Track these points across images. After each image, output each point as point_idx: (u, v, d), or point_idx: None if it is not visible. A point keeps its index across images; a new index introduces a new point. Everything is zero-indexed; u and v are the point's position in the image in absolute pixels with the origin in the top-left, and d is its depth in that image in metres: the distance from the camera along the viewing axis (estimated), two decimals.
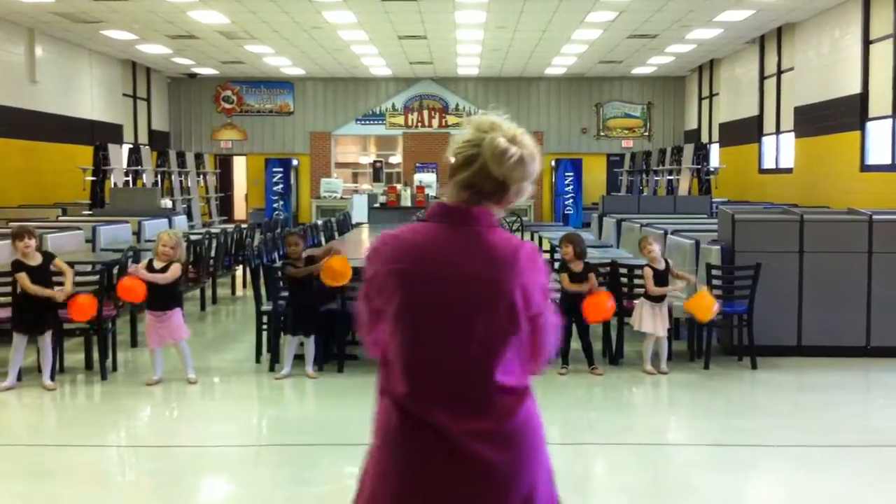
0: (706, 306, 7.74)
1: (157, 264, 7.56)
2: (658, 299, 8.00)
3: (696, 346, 8.60)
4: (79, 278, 8.41)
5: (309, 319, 7.79)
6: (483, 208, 2.36)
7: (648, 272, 8.03)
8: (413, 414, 2.31)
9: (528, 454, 2.33)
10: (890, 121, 15.64)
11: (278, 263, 8.42)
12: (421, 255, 2.33)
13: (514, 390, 2.33)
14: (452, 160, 2.38)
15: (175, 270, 7.57)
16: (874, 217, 8.75)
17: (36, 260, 7.39)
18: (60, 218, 14.19)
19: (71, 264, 9.23)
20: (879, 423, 6.72)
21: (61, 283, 7.49)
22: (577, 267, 7.97)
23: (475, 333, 2.30)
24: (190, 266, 11.39)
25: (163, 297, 7.52)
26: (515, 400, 2.33)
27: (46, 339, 7.44)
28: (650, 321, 7.96)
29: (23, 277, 7.26)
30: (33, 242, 7.41)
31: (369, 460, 2.42)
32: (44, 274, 7.40)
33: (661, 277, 8.05)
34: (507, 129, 2.35)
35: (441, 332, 2.31)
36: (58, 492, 5.30)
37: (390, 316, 2.35)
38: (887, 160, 15.79)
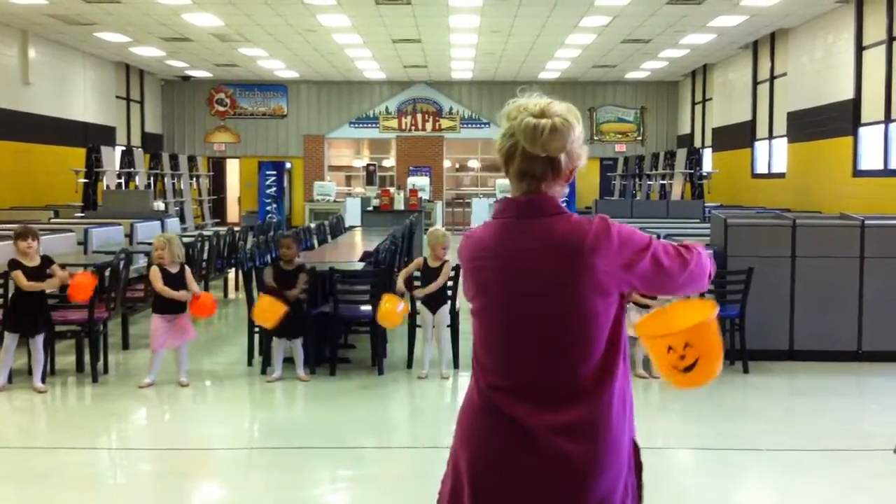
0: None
1: (171, 269, 7.68)
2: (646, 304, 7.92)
3: None
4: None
5: (294, 322, 7.68)
6: (546, 196, 2.35)
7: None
8: (488, 398, 2.34)
9: (606, 449, 2.31)
10: (882, 126, 15.70)
11: (268, 273, 8.34)
12: (491, 253, 2.36)
13: (592, 383, 2.30)
14: (498, 158, 2.41)
15: (189, 280, 7.72)
16: (866, 222, 8.77)
17: (34, 261, 7.38)
18: (52, 220, 14.15)
19: (63, 266, 9.24)
20: (871, 428, 6.73)
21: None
22: None
23: (548, 327, 2.29)
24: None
25: (172, 300, 7.58)
26: (593, 394, 2.30)
27: (38, 340, 7.41)
28: None
29: (18, 275, 7.24)
30: (35, 244, 7.41)
31: (455, 434, 2.45)
32: (40, 276, 7.37)
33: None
34: (532, 106, 2.35)
35: (511, 325, 2.33)
36: (48, 494, 5.28)
37: (474, 311, 2.43)
38: (879, 165, 15.84)
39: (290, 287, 7.74)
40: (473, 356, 2.45)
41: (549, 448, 2.26)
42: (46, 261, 7.50)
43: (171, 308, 7.60)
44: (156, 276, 7.63)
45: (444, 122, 29.30)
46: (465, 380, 7.84)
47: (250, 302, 8.37)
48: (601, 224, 2.30)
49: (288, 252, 7.88)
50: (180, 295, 7.60)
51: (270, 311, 7.35)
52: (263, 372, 8.03)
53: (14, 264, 7.32)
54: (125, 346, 9.19)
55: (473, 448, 2.35)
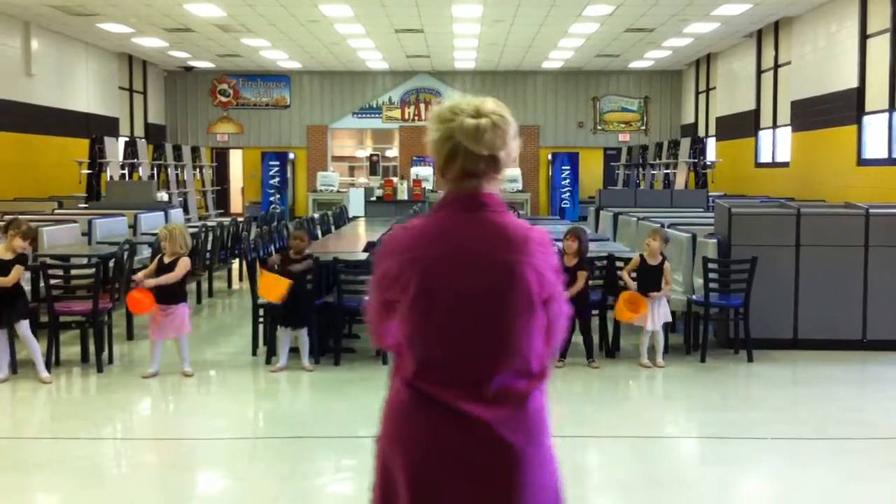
0: (621, 308, 7.73)
1: (167, 259, 7.64)
2: (651, 292, 7.92)
3: (692, 339, 8.61)
4: (75, 271, 8.43)
5: (299, 312, 7.74)
6: (490, 193, 2.41)
7: (636, 259, 8.06)
8: (427, 395, 2.34)
9: (536, 441, 2.38)
10: (886, 115, 15.65)
11: (275, 256, 8.43)
12: (436, 243, 2.37)
13: (530, 375, 2.38)
14: (435, 159, 2.43)
15: (182, 266, 7.58)
16: (871, 211, 8.75)
17: (6, 256, 7.27)
18: (56, 211, 14.15)
19: (66, 258, 9.27)
20: (875, 417, 6.72)
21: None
22: (570, 261, 7.88)
23: (492, 316, 2.34)
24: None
25: (169, 291, 7.54)
26: (529, 385, 2.38)
27: (22, 329, 7.36)
28: (645, 315, 7.93)
29: None
30: (25, 244, 7.32)
31: (381, 438, 2.45)
32: (4, 272, 7.26)
33: (652, 273, 7.98)
34: (466, 107, 2.39)
35: (458, 315, 2.35)
36: (53, 484, 5.29)
37: (407, 304, 2.37)
38: (884, 154, 15.79)
39: (299, 278, 7.79)
40: (397, 352, 2.42)
41: (493, 439, 2.30)
42: (19, 259, 7.35)
43: (164, 298, 7.51)
44: (151, 266, 7.74)
45: None
46: None
47: (255, 292, 8.38)
48: (540, 230, 2.44)
49: (301, 244, 7.92)
50: (137, 277, 7.56)
51: (275, 285, 7.43)
52: (268, 362, 8.04)
53: None
54: (129, 336, 9.20)
55: (411, 446, 2.34)
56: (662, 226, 10.19)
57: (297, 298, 7.66)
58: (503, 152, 2.38)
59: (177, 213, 15.16)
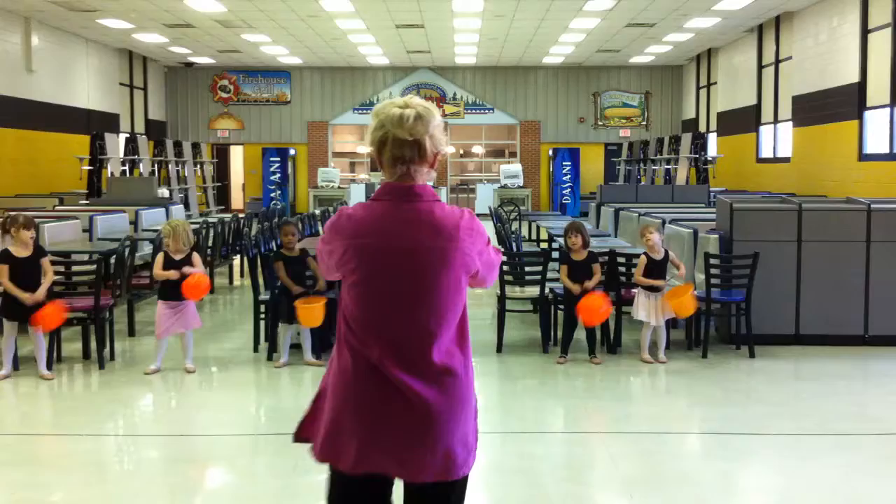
0: (685, 305, 7.75)
1: (175, 255, 7.69)
2: (654, 288, 7.97)
3: (693, 334, 8.61)
4: (76, 268, 8.43)
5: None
6: (423, 185, 2.77)
7: (642, 260, 8.00)
8: (369, 362, 2.72)
9: (461, 407, 2.77)
10: (888, 110, 15.64)
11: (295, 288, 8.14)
12: (375, 231, 2.73)
13: (454, 348, 2.77)
14: (371, 150, 2.81)
15: (198, 262, 7.75)
16: (872, 206, 8.74)
17: (27, 251, 7.34)
18: (57, 207, 14.16)
19: (67, 254, 9.26)
20: (877, 412, 6.72)
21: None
22: (580, 255, 7.90)
23: (423, 296, 2.72)
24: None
25: (177, 288, 7.54)
26: (454, 357, 2.76)
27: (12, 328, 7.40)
28: (647, 310, 7.95)
29: (3, 271, 7.23)
30: (31, 232, 7.39)
31: (331, 391, 2.83)
32: (32, 267, 7.36)
33: (659, 267, 8.00)
34: (398, 100, 2.78)
35: (393, 295, 2.72)
36: (56, 481, 5.29)
37: (351, 283, 2.77)
38: (885, 149, 15.78)
39: (302, 271, 7.83)
40: (344, 326, 2.79)
41: (420, 397, 2.70)
42: (40, 251, 7.49)
43: (176, 295, 7.55)
44: (158, 261, 7.72)
45: (448, 108, 29.24)
46: (477, 366, 7.84)
47: (256, 288, 8.39)
48: (469, 213, 2.80)
49: (292, 238, 7.88)
50: (169, 274, 7.54)
51: (312, 313, 7.30)
52: (269, 358, 8.04)
53: (4, 257, 7.28)
54: (131, 332, 9.21)
55: (356, 404, 2.74)
56: (664, 222, 10.19)
57: (298, 294, 7.67)
58: (426, 138, 2.72)
59: (178, 210, 15.16)
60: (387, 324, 2.72)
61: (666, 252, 8.08)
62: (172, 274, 7.54)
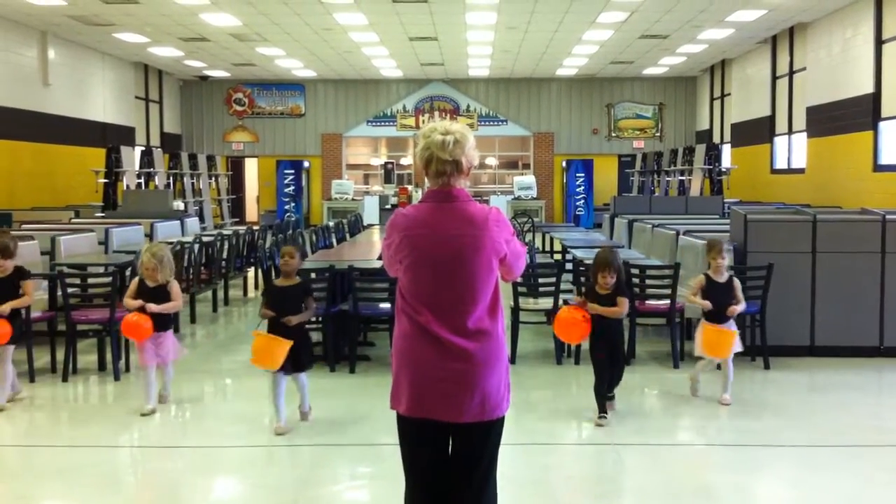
0: (721, 345, 6.93)
1: (150, 283, 6.90)
2: (720, 318, 6.97)
3: None
4: (92, 280, 8.48)
5: (296, 353, 6.29)
6: (459, 188, 3.49)
7: (700, 281, 7.10)
8: (419, 325, 3.43)
9: (494, 361, 3.45)
10: None
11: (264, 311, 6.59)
12: (423, 224, 3.45)
13: (485, 316, 3.44)
14: (419, 164, 3.52)
15: (177, 293, 6.97)
16: (887, 217, 8.71)
17: (4, 273, 6.99)
18: (73, 220, 14.24)
19: (83, 266, 9.32)
20: (892, 424, 6.68)
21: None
22: (604, 290, 6.55)
23: (462, 273, 3.41)
24: (202, 267, 11.44)
25: (157, 318, 6.80)
26: (485, 322, 3.44)
27: (7, 351, 6.95)
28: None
29: None
30: (8, 263, 7.01)
31: (394, 352, 3.53)
32: (7, 289, 6.99)
33: (720, 292, 7.04)
34: (440, 127, 3.48)
35: (437, 272, 3.41)
36: (69, 491, 5.32)
37: (406, 266, 3.47)
38: None
39: (292, 309, 6.37)
40: (401, 300, 3.49)
41: (460, 348, 3.39)
42: (17, 273, 7.09)
43: (160, 325, 6.81)
44: (131, 288, 6.97)
45: (462, 120, 29.28)
46: None
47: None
48: (497, 210, 3.54)
49: (291, 262, 6.55)
50: (134, 305, 6.76)
51: (269, 350, 6.14)
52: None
53: None
54: None
55: (410, 359, 3.44)
56: (678, 233, 10.15)
57: (295, 339, 6.29)
58: (463, 158, 3.46)
59: (192, 222, 15.24)
60: (432, 295, 3.41)
61: (730, 279, 7.19)
62: (134, 305, 6.75)
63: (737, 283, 7.21)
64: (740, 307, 7.10)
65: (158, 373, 6.97)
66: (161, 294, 6.87)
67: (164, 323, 6.91)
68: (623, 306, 6.50)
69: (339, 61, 25.00)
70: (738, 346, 7.06)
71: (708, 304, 7.00)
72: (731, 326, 7.02)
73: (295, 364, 6.32)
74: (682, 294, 7.82)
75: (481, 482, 3.51)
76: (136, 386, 7.69)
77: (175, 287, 6.98)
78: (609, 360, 6.54)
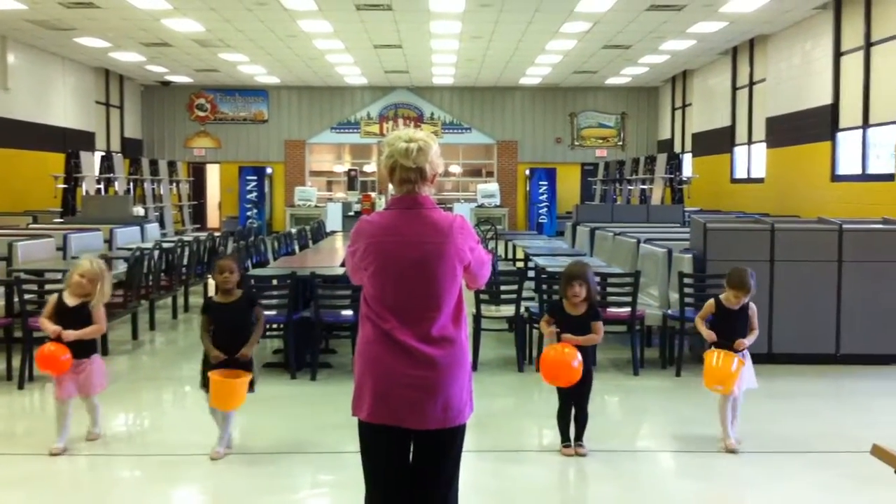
0: (726, 372, 6.02)
1: (71, 301, 6.03)
2: (728, 349, 6.10)
3: (668, 353, 8.65)
4: (49, 286, 8.37)
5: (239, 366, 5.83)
6: (424, 195, 3.49)
7: (709, 305, 6.30)
8: (384, 331, 3.43)
9: (457, 368, 3.46)
10: (860, 131, 15.83)
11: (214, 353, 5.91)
12: (388, 231, 3.46)
13: (449, 323, 3.45)
14: (383, 172, 3.55)
15: (100, 316, 6.08)
16: (844, 226, 8.84)
17: None
18: (31, 226, 14.07)
19: (40, 272, 9.20)
20: (851, 431, 6.77)
21: None
22: (578, 310, 5.95)
23: (426, 280, 3.42)
24: (163, 274, 11.34)
25: (77, 344, 5.95)
26: (449, 329, 3.45)
27: None
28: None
29: None
30: None
31: (357, 358, 3.53)
32: None
33: (731, 320, 6.19)
34: (404, 135, 3.50)
35: (404, 281, 3.42)
36: (29, 501, 5.24)
37: (371, 273, 3.47)
38: (857, 170, 15.97)
39: (240, 324, 5.91)
40: (365, 306, 3.50)
41: (423, 354, 3.39)
42: None
43: (80, 351, 5.97)
44: (49, 305, 6.10)
45: (426, 128, 29.25)
46: None
47: None
48: (461, 217, 3.54)
49: (231, 278, 5.89)
50: (49, 330, 5.94)
51: (228, 392, 5.65)
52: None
53: None
54: (104, 352, 9.12)
55: (374, 365, 3.44)
56: (639, 241, 10.23)
57: (232, 352, 5.86)
58: (427, 165, 3.47)
59: (153, 228, 15.11)
60: (397, 301, 3.43)
61: (745, 305, 6.24)
62: (51, 330, 5.93)
63: (752, 310, 6.23)
64: (750, 340, 6.19)
65: (87, 406, 6.18)
66: (82, 315, 5.99)
67: (85, 349, 6.01)
68: (599, 332, 5.94)
69: (304, 68, 24.93)
70: (750, 381, 6.20)
71: (712, 336, 6.15)
72: (741, 355, 6.11)
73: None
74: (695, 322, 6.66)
75: (445, 489, 3.53)
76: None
77: (98, 308, 6.05)
78: (576, 386, 5.78)
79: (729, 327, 6.15)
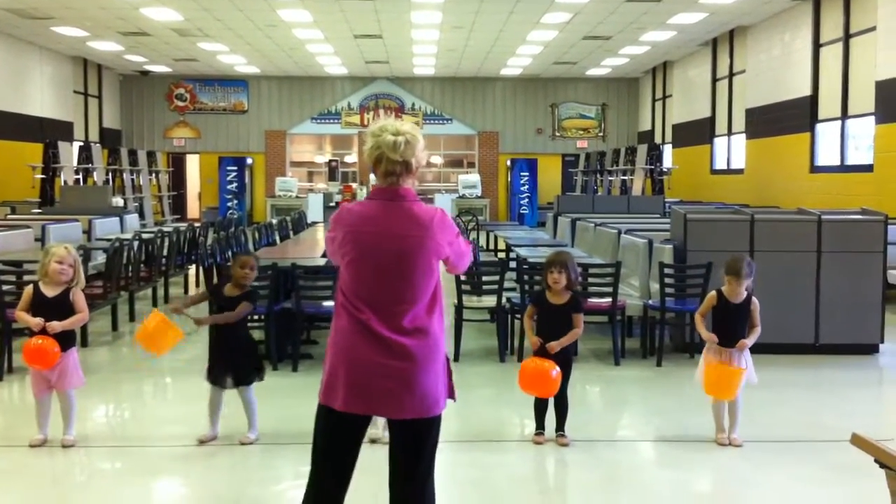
0: (728, 382, 5.85)
1: (50, 290, 5.83)
2: (728, 345, 5.95)
3: (648, 343, 8.69)
4: (28, 277, 8.30)
5: (238, 365, 6.07)
6: (407, 188, 3.48)
7: (710, 299, 6.09)
8: (359, 321, 3.42)
9: (433, 360, 3.47)
10: (839, 123, 15.93)
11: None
12: (368, 222, 3.45)
13: (424, 315, 3.45)
14: (368, 162, 3.53)
15: (82, 303, 5.90)
16: (823, 217, 8.90)
17: None
18: (9, 216, 13.96)
19: (18, 263, 9.13)
20: (828, 420, 6.83)
21: None
22: (559, 299, 5.94)
23: (403, 272, 3.42)
24: (142, 265, 11.28)
25: (61, 335, 5.78)
26: (423, 321, 3.44)
27: None
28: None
29: None
30: None
31: (330, 347, 3.53)
32: None
33: (733, 315, 6.01)
34: (390, 126, 3.46)
35: (378, 270, 3.42)
36: (8, 494, 5.21)
37: (347, 262, 3.48)
38: (836, 161, 16.08)
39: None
40: (341, 296, 3.49)
41: (399, 345, 3.39)
42: None
43: (61, 343, 5.77)
44: (25, 296, 5.89)
45: (407, 118, 29.20)
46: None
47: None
48: (442, 211, 3.53)
49: (251, 275, 6.14)
50: (30, 322, 5.76)
51: (160, 335, 5.76)
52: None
53: None
54: (84, 343, 9.07)
55: (349, 355, 3.43)
56: (620, 232, 10.25)
57: (232, 347, 6.10)
58: (413, 159, 3.46)
59: (132, 219, 15.02)
60: (372, 292, 3.42)
61: (748, 299, 6.03)
62: (34, 323, 5.73)
63: (755, 305, 6.02)
64: (751, 339, 5.97)
65: (61, 404, 5.95)
66: (63, 305, 5.81)
67: (66, 341, 5.81)
68: (579, 325, 5.90)
69: (284, 58, 24.82)
70: (751, 377, 6.00)
71: (714, 338, 5.92)
72: (740, 361, 5.93)
73: (241, 375, 6.02)
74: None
75: (423, 477, 3.55)
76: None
77: (79, 295, 5.88)
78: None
79: (730, 323, 5.97)
